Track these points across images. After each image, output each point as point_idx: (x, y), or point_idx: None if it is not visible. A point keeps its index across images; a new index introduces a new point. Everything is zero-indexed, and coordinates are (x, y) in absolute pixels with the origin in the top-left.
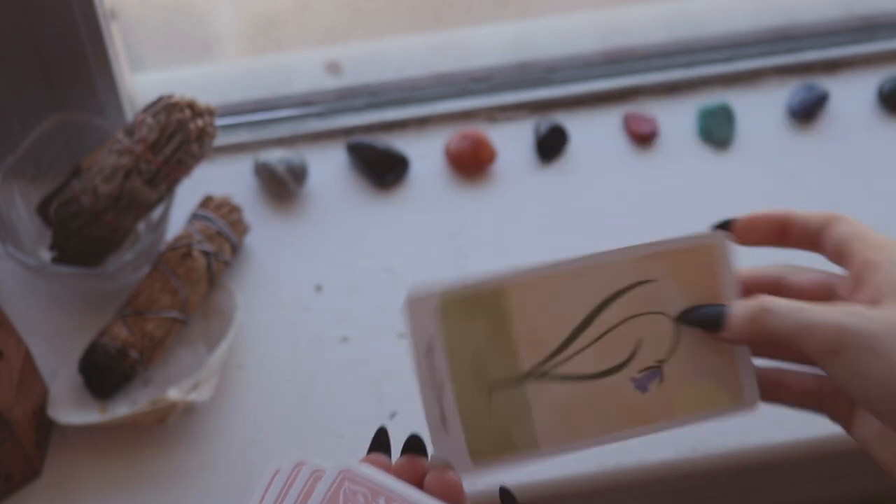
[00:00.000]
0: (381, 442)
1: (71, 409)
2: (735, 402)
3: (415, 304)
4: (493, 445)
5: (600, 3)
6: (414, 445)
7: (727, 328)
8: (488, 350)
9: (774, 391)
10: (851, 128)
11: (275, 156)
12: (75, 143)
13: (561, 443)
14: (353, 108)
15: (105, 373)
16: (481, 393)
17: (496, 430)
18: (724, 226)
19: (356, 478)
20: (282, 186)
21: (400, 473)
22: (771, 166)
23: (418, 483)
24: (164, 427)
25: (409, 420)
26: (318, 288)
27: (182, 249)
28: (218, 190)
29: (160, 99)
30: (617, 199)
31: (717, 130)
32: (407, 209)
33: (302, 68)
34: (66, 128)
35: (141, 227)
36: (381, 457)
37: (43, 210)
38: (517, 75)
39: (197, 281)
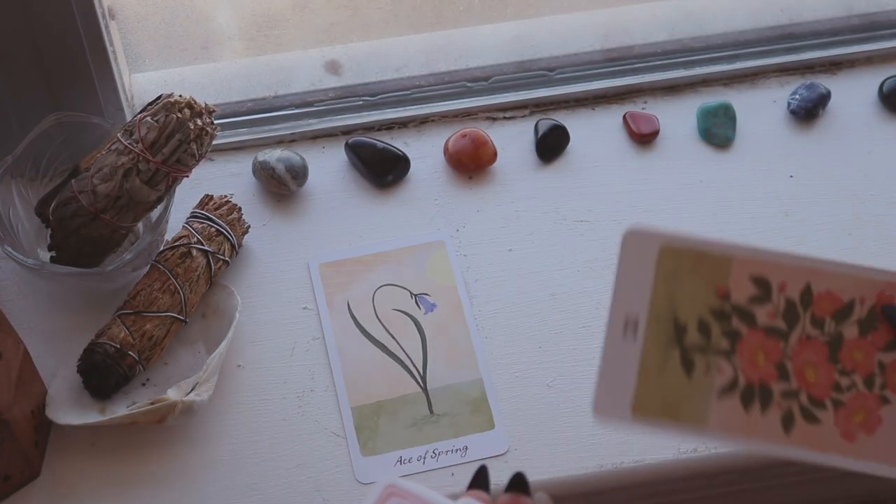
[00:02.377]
0: (481, 479)
1: (70, 410)
2: None
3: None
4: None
5: (600, 3)
6: (519, 483)
7: None
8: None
9: None
10: (853, 127)
11: (274, 155)
12: (74, 143)
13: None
14: (352, 108)
15: (104, 373)
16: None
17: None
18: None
19: (402, 492)
20: (281, 186)
21: None
22: (772, 166)
23: None
24: (163, 427)
25: None
26: None
27: (181, 249)
28: (217, 189)
29: (159, 98)
30: (617, 199)
31: (717, 130)
32: (407, 209)
33: (301, 68)
34: (64, 127)
35: (140, 226)
36: (481, 493)
37: (41, 210)
38: (517, 75)
39: (196, 281)
